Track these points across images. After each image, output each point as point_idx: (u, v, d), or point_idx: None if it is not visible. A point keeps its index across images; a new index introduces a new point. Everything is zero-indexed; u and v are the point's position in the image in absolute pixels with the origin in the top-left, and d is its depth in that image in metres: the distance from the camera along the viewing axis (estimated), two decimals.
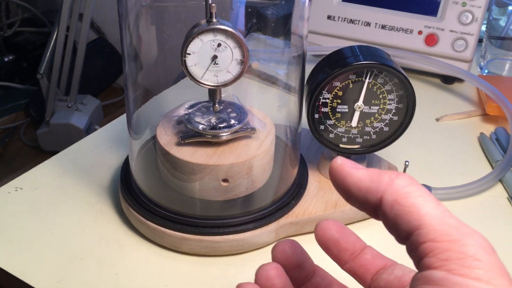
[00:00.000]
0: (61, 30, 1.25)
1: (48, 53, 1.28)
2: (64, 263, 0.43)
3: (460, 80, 0.76)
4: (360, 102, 0.46)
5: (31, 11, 1.69)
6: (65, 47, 1.28)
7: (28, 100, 1.55)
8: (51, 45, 1.28)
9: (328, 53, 0.47)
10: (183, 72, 0.61)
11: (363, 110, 0.46)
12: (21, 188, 0.52)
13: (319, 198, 0.48)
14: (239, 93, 0.49)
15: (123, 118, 0.65)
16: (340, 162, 0.24)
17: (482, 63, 0.82)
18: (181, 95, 0.53)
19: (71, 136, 1.34)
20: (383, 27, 0.76)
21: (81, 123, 1.33)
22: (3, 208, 0.49)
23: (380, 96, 0.46)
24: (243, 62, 0.42)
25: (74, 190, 0.52)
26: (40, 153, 1.41)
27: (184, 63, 0.42)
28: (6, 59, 1.63)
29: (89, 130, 1.36)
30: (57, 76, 1.30)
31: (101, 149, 0.58)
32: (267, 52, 0.57)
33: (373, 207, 0.23)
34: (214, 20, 0.41)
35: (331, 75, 0.44)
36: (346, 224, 0.48)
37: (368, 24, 0.76)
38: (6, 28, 1.67)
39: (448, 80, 0.77)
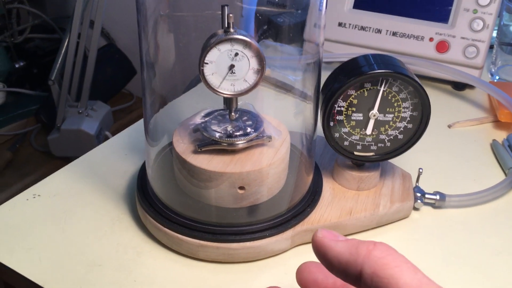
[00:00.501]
0: (73, 37, 1.26)
1: (59, 59, 1.29)
2: (84, 270, 0.44)
3: (471, 87, 0.77)
4: (375, 110, 0.46)
5: (41, 18, 1.71)
6: (76, 53, 1.29)
7: (38, 106, 1.56)
8: (62, 52, 1.29)
9: (340, 60, 0.48)
10: (196, 79, 0.61)
11: (378, 118, 0.47)
12: (38, 195, 0.52)
13: (334, 205, 0.49)
14: (254, 101, 0.50)
15: (136, 125, 0.66)
16: (321, 235, 0.25)
17: (493, 70, 0.82)
18: (196, 101, 0.53)
19: (81, 142, 1.35)
20: (394, 34, 0.76)
21: (91, 129, 1.34)
22: (22, 215, 0.50)
23: (395, 104, 0.46)
24: (259, 71, 0.43)
25: (91, 197, 0.52)
26: (50, 158, 1.42)
27: (201, 72, 0.42)
28: (17, 65, 1.64)
29: (99, 136, 1.37)
30: (68, 82, 1.31)
31: (116, 156, 0.59)
32: (282, 59, 0.57)
33: (354, 278, 0.24)
34: (232, 30, 0.41)
35: (347, 83, 0.45)
36: (360, 232, 0.48)
37: (379, 31, 0.77)
38: (17, 35, 1.68)
39: (459, 86, 0.77)
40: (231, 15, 0.41)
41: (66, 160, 1.45)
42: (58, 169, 0.57)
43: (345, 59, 0.76)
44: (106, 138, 1.43)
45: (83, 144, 1.35)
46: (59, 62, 1.30)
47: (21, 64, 1.66)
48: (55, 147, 1.38)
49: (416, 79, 0.45)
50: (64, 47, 1.28)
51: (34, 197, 0.52)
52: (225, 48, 0.42)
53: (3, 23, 1.63)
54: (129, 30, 1.75)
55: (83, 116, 1.37)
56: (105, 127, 1.44)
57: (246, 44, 0.41)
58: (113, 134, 1.47)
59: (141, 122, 0.65)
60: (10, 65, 1.63)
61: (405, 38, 0.76)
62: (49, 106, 1.47)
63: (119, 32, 1.81)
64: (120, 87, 1.77)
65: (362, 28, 0.78)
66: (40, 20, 1.73)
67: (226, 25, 0.42)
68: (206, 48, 0.41)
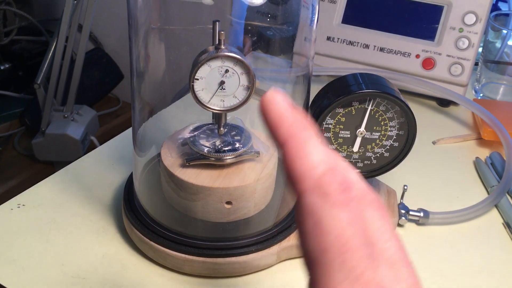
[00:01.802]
0: (60, 41, 1.25)
1: (46, 63, 1.28)
2: (68, 283, 0.43)
3: (455, 103, 0.78)
4: (362, 128, 0.47)
5: (28, 20, 1.69)
6: (63, 57, 1.28)
7: (23, 109, 1.54)
8: (49, 56, 1.28)
9: (328, 73, 0.48)
10: (183, 89, 0.61)
11: (365, 136, 0.47)
12: (23, 205, 0.52)
13: None
14: (243, 114, 0.50)
15: (123, 135, 0.65)
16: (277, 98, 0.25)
17: (477, 87, 0.83)
18: (185, 113, 0.53)
19: (66, 146, 1.33)
20: (382, 49, 0.77)
21: (77, 133, 1.32)
22: (6, 225, 0.49)
23: (382, 123, 0.47)
24: (249, 88, 0.43)
25: (76, 208, 0.52)
26: (34, 162, 1.40)
27: (192, 88, 0.42)
28: (2, 67, 1.62)
29: (84, 140, 1.36)
30: (54, 86, 1.30)
31: (103, 167, 0.58)
32: (271, 71, 0.58)
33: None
34: (223, 47, 0.42)
35: (335, 102, 0.45)
36: None
37: (367, 46, 0.78)
38: (2, 36, 1.66)
39: (444, 103, 0.78)
40: (222, 32, 0.42)
41: (50, 164, 1.44)
42: (42, 173, 0.56)
43: (333, 73, 0.77)
44: (91, 143, 1.41)
45: (67, 149, 1.33)
46: (45, 65, 1.28)
47: (7, 66, 1.64)
48: (39, 151, 1.36)
49: (403, 99, 0.46)
50: (51, 51, 1.27)
51: (19, 207, 0.52)
52: (215, 64, 0.42)
53: None
54: (117, 35, 1.74)
55: (68, 120, 1.36)
56: (91, 132, 1.43)
57: (236, 61, 0.42)
58: (99, 139, 1.46)
59: (128, 131, 0.65)
60: None
61: (392, 54, 0.77)
62: (34, 109, 1.45)
63: (106, 36, 1.79)
64: (107, 92, 1.76)
65: (350, 43, 0.79)
66: (27, 22, 1.71)
67: (217, 42, 0.42)
68: (196, 64, 0.42)
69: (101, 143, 0.66)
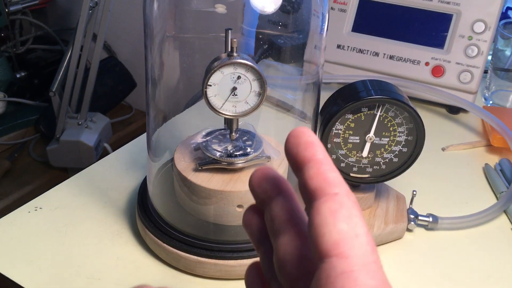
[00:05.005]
0: (75, 50, 1.27)
1: (61, 71, 1.30)
2: (83, 283, 0.45)
3: (465, 110, 0.78)
4: (371, 134, 0.48)
5: (43, 29, 1.72)
6: (78, 66, 1.31)
7: (38, 116, 1.57)
8: (64, 64, 1.30)
9: (338, 81, 0.49)
10: (197, 95, 0.63)
11: (374, 141, 0.48)
12: (40, 208, 0.53)
13: None
14: (254, 120, 0.51)
15: (137, 140, 0.67)
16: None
17: (487, 94, 0.84)
18: (198, 119, 0.55)
19: (80, 153, 1.35)
20: (391, 57, 0.78)
21: (90, 140, 1.35)
22: (24, 227, 0.51)
23: (391, 129, 0.48)
24: (261, 94, 0.44)
25: (92, 211, 0.53)
26: (48, 169, 1.42)
27: (205, 94, 0.44)
28: (18, 75, 1.65)
29: (98, 147, 1.38)
30: (68, 94, 1.32)
31: (117, 171, 0.60)
32: (282, 79, 0.59)
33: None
34: (235, 54, 0.43)
35: (345, 107, 0.46)
36: None
37: (377, 54, 0.79)
38: (19, 45, 1.70)
39: (453, 110, 0.79)
40: (235, 40, 0.43)
41: (64, 170, 1.46)
42: (56, 179, 0.58)
43: (343, 81, 0.78)
44: (105, 150, 1.43)
45: (81, 156, 1.36)
46: (60, 74, 1.31)
47: (22, 74, 1.67)
48: (53, 158, 1.38)
49: (412, 105, 0.47)
50: (67, 60, 1.30)
51: (36, 210, 0.53)
52: (228, 71, 0.43)
53: (6, 34, 1.65)
54: (130, 43, 1.77)
55: (82, 127, 1.38)
56: (104, 139, 1.45)
57: (248, 68, 0.43)
58: (112, 146, 1.48)
59: (141, 138, 0.67)
60: (11, 75, 1.64)
61: (402, 62, 0.78)
62: (48, 116, 1.48)
63: (120, 45, 1.82)
64: (120, 100, 1.78)
65: (360, 51, 0.80)
66: (43, 32, 1.74)
67: (230, 49, 0.43)
68: (209, 71, 0.43)
69: (114, 150, 0.68)
